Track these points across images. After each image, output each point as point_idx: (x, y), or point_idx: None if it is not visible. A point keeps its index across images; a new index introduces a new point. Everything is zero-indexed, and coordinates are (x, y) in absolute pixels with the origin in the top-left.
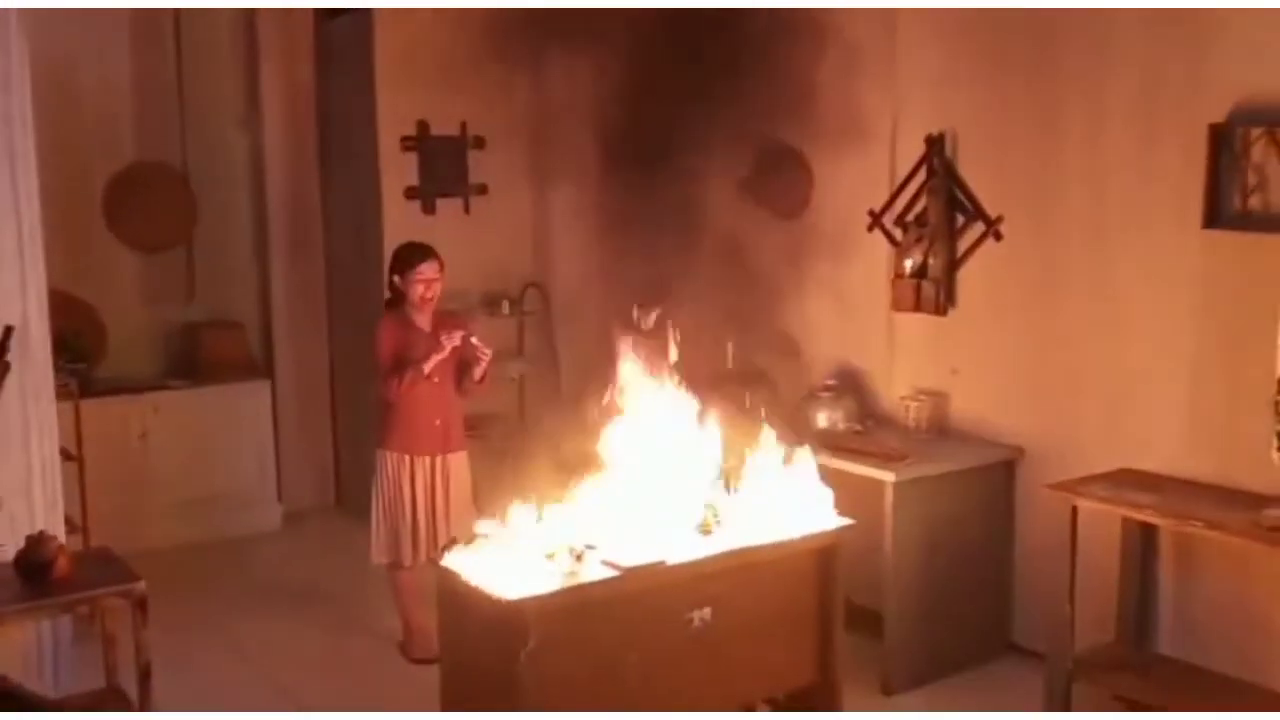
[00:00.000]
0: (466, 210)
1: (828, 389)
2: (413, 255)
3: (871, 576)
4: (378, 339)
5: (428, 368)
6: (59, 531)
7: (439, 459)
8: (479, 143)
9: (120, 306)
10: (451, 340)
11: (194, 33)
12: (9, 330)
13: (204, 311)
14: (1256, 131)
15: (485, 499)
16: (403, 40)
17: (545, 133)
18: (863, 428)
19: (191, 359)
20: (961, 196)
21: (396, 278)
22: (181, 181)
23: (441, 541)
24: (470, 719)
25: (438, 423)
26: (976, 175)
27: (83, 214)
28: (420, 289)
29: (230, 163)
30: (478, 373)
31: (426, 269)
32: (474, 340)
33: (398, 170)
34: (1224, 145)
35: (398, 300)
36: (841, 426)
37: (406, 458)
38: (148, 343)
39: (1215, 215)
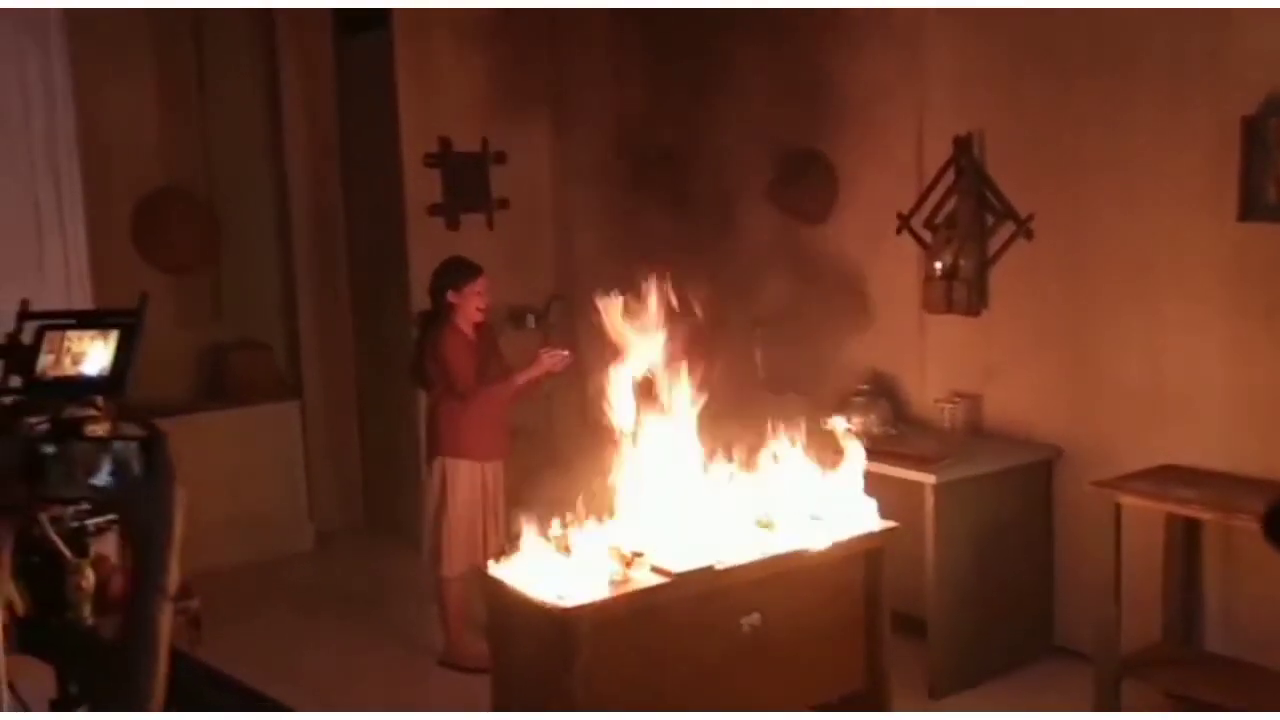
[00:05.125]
0: (490, 225)
1: (860, 393)
2: (470, 270)
3: (912, 581)
4: (451, 352)
5: (522, 380)
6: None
7: (499, 465)
8: (500, 158)
9: (148, 329)
10: (557, 360)
11: (215, 57)
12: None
13: (231, 333)
14: None
15: (524, 509)
16: (422, 57)
17: (566, 145)
18: (897, 431)
19: (220, 381)
20: (991, 196)
21: (452, 292)
22: (206, 205)
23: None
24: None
25: (504, 430)
26: (1006, 175)
27: (111, 238)
28: (478, 302)
29: (254, 185)
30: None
31: (483, 284)
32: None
33: (421, 187)
34: (1256, 137)
35: (444, 314)
36: (876, 431)
37: (479, 465)
38: (176, 365)
39: (1250, 207)
